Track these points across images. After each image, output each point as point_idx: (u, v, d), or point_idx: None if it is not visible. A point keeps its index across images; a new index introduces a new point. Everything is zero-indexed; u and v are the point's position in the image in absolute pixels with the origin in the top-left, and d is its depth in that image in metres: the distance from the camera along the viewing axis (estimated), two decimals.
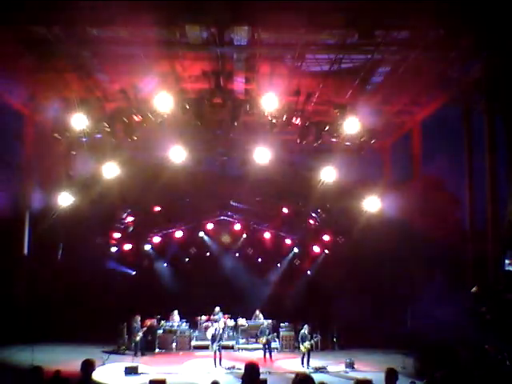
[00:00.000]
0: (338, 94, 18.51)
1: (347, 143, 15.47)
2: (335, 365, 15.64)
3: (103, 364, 15.39)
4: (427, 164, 20.75)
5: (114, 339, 17.75)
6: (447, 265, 21.23)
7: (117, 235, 19.83)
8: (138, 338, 17.11)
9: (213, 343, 16.24)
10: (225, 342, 17.26)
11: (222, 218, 22.78)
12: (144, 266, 22.14)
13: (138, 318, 17.61)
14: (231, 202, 21.80)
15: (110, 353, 16.89)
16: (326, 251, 20.68)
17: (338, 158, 19.25)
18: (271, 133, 18.91)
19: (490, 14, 13.05)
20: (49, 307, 20.08)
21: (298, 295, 22.28)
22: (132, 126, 14.89)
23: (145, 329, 17.48)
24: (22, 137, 20.70)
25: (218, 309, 19.39)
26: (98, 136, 15.09)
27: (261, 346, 16.92)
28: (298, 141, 15.45)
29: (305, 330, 16.18)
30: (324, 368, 15.13)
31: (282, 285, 22.94)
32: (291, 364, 15.92)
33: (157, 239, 22.18)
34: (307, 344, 15.62)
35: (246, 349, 18.29)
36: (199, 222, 22.76)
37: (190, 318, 19.80)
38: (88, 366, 5.84)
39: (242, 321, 19.53)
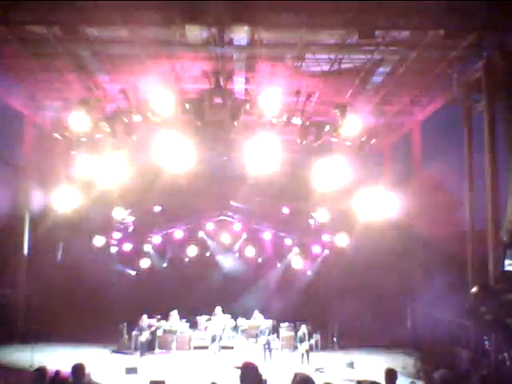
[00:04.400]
0: (338, 94, 18.52)
1: (347, 143, 15.46)
2: (335, 365, 15.63)
3: (104, 363, 15.42)
4: (427, 164, 20.74)
5: (114, 339, 17.74)
6: (447, 265, 21.25)
7: (117, 235, 19.82)
8: (143, 338, 17.06)
9: (213, 343, 16.23)
10: (225, 342, 17.25)
11: (221, 217, 22.74)
12: (144, 266, 22.11)
13: (146, 318, 17.60)
14: (231, 202, 21.79)
15: (111, 353, 16.90)
16: (326, 251, 20.65)
17: (337, 158, 19.25)
18: (271, 133, 18.92)
19: (490, 14, 13.05)
20: (49, 307, 20.09)
21: (298, 295, 22.27)
22: (132, 126, 14.89)
23: (153, 329, 17.45)
24: (22, 137, 20.72)
25: (218, 309, 19.38)
26: (98, 136, 15.08)
27: (261, 346, 16.91)
28: (298, 141, 15.44)
29: (302, 330, 16.15)
30: (323, 368, 15.12)
31: (281, 285, 22.92)
32: (291, 364, 15.91)
33: (157, 239, 22.15)
34: (305, 344, 15.62)
35: (246, 349, 18.27)
36: (199, 221, 22.74)
37: (190, 317, 19.79)
38: (79, 370, 5.71)
39: (241, 321, 19.51)
